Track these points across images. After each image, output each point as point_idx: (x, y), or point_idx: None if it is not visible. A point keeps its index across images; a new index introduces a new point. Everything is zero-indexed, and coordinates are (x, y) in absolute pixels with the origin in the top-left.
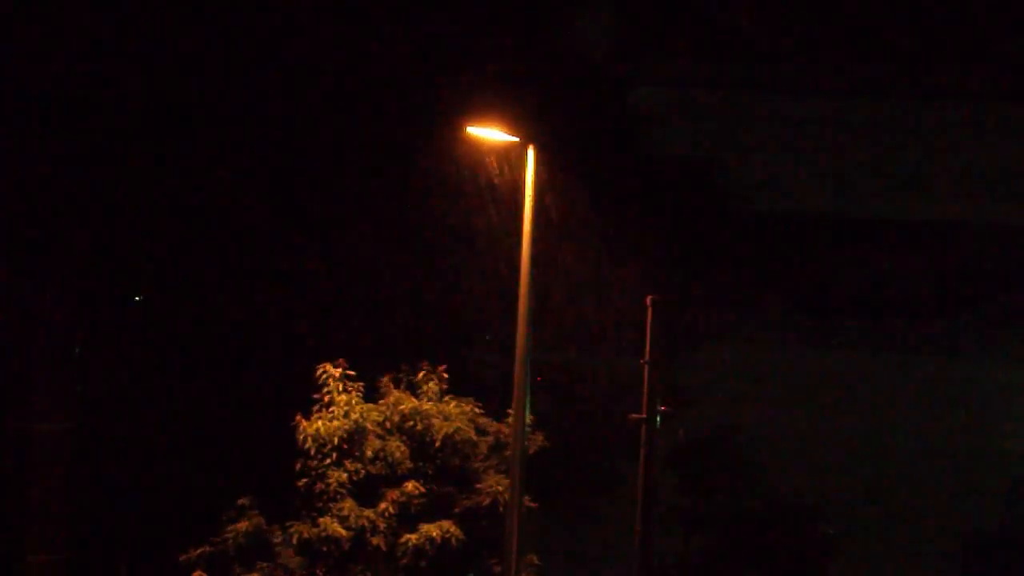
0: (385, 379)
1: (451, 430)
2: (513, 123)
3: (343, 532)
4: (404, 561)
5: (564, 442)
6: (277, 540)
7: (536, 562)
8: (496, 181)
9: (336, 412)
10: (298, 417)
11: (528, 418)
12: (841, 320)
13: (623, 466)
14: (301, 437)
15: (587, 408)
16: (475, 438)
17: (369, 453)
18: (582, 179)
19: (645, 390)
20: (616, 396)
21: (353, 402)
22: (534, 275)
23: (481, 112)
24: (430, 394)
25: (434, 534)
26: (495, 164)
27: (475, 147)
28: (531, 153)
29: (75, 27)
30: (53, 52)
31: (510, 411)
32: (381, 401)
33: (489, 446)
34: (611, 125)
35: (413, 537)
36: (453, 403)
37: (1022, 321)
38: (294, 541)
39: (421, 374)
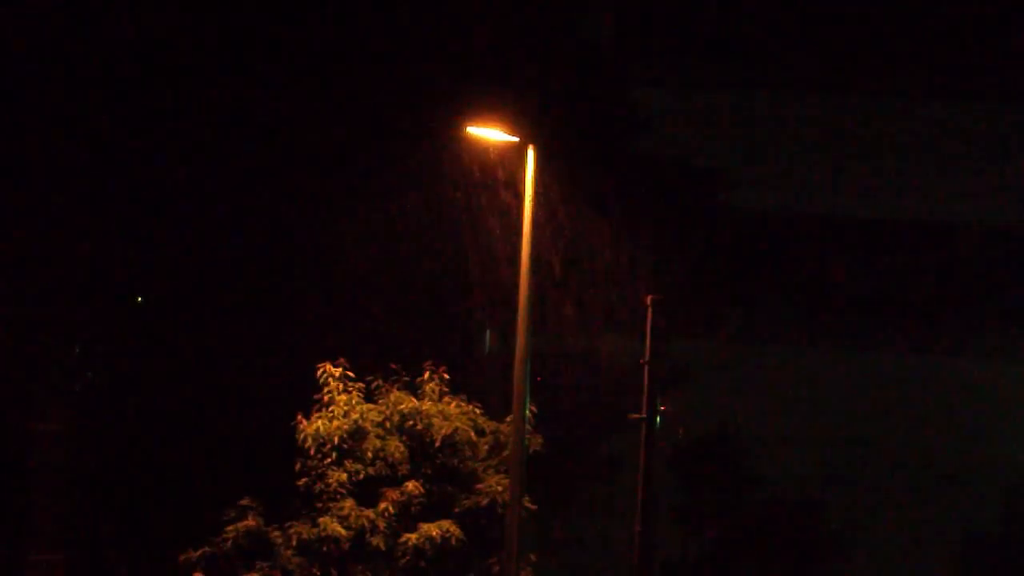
0: (376, 378)
1: (451, 430)
2: (513, 123)
3: (343, 532)
4: (404, 561)
5: (564, 434)
6: (277, 540)
7: (535, 561)
8: (496, 181)
9: (336, 412)
10: (298, 417)
11: (528, 417)
12: (841, 320)
13: (623, 457)
14: (301, 437)
15: (586, 400)
16: (475, 438)
17: (369, 453)
18: (582, 178)
19: (645, 390)
20: (616, 392)
21: (353, 402)
22: (534, 275)
23: (481, 112)
24: (430, 394)
25: (434, 534)
26: (495, 164)
27: (475, 147)
28: (531, 153)
29: (79, 29)
30: (55, 52)
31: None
32: (381, 401)
33: (489, 446)
34: (611, 124)
35: (413, 537)
36: (453, 403)
37: (1022, 321)
38: (294, 542)
39: (427, 374)
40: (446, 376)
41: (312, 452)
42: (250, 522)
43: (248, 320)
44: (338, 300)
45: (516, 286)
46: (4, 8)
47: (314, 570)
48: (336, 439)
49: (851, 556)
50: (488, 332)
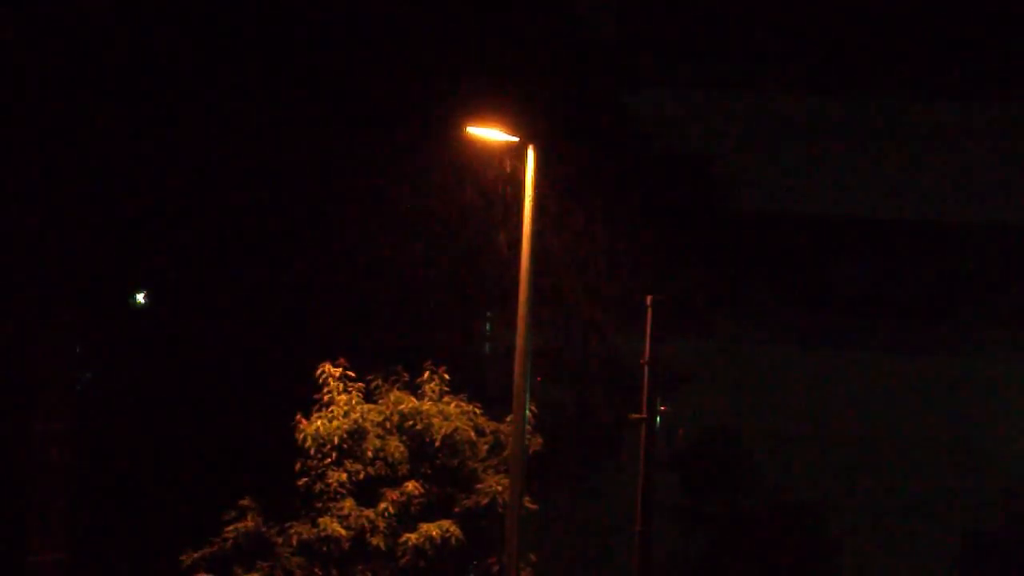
0: (376, 378)
1: (451, 430)
2: (513, 123)
3: (343, 532)
4: (404, 561)
5: (563, 428)
6: (277, 540)
7: (535, 561)
8: (496, 180)
9: (336, 412)
10: (298, 417)
11: (528, 417)
12: (841, 320)
13: (622, 457)
14: (301, 437)
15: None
16: (475, 438)
17: (369, 453)
18: (582, 178)
19: (645, 390)
20: (615, 391)
21: (353, 402)
22: (533, 275)
23: (481, 112)
24: (431, 394)
25: (434, 534)
26: (495, 164)
27: (475, 147)
28: (531, 153)
29: (82, 26)
30: (54, 49)
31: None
32: (381, 401)
33: (489, 446)
34: (611, 124)
35: (413, 537)
36: (453, 403)
37: (1022, 321)
38: (294, 542)
39: (426, 374)
40: (446, 376)
41: (312, 452)
42: (250, 522)
43: (248, 320)
44: (338, 300)
45: (516, 285)
46: (7, 7)
47: (315, 570)
48: (336, 439)
49: (851, 556)
50: (488, 332)
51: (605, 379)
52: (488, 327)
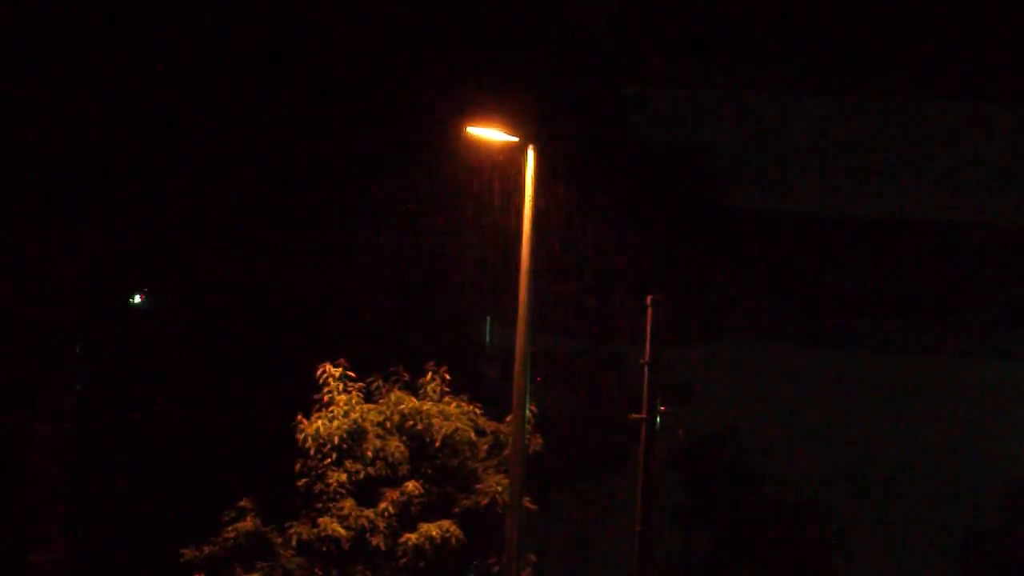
0: (376, 378)
1: (451, 430)
2: (513, 123)
3: (343, 532)
4: (404, 561)
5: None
6: (277, 541)
7: (535, 561)
8: (496, 180)
9: (336, 412)
10: (298, 417)
11: (528, 417)
12: (841, 320)
13: (623, 458)
14: (301, 437)
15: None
16: (475, 438)
17: (369, 453)
18: (581, 178)
19: (645, 390)
20: (615, 390)
21: (353, 402)
22: (534, 275)
23: (481, 112)
24: (431, 394)
25: (434, 534)
26: (495, 164)
27: (475, 147)
28: (531, 153)
29: (84, 27)
30: (58, 51)
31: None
32: (381, 401)
33: (489, 446)
34: (611, 124)
35: (413, 537)
36: (453, 403)
37: (1022, 321)
38: (293, 542)
39: (428, 374)
40: (447, 376)
41: (312, 452)
42: (249, 522)
43: (248, 320)
44: (339, 300)
45: (516, 286)
46: (12, 7)
47: (315, 570)
48: (336, 439)
49: (851, 555)
50: (489, 332)
51: (606, 381)
52: (489, 327)
